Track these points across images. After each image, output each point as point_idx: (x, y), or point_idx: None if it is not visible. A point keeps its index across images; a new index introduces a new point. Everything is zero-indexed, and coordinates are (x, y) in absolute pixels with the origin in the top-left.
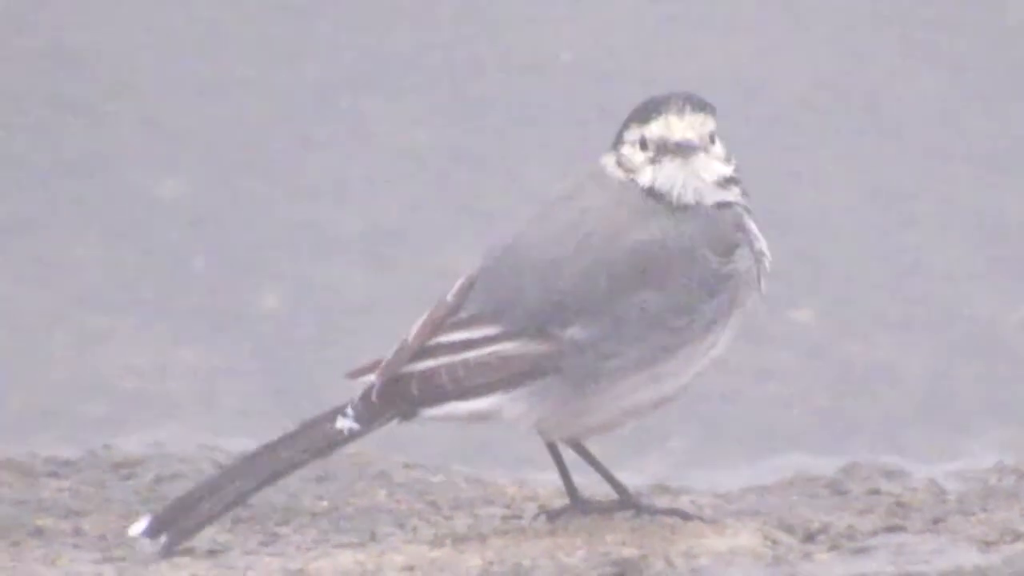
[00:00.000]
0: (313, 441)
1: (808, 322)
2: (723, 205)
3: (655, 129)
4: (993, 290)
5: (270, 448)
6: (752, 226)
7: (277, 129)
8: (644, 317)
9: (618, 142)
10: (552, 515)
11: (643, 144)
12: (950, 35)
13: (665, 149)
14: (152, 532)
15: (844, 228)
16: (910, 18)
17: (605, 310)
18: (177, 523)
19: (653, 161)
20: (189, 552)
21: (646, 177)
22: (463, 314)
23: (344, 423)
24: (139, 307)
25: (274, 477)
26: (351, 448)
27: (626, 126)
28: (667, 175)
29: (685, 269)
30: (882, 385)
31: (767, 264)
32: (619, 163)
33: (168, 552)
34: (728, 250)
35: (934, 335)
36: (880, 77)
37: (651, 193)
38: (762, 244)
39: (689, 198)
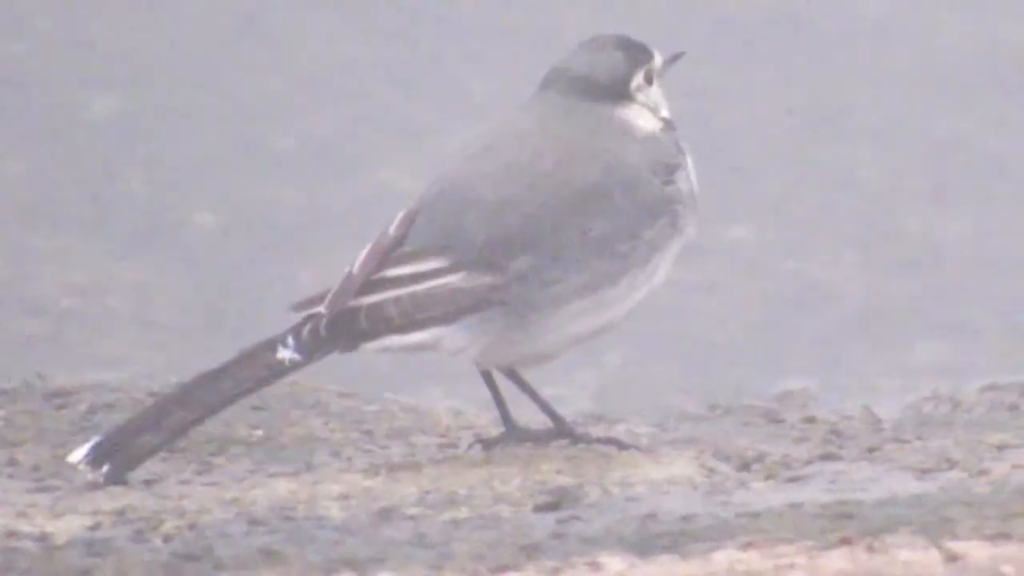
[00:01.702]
0: (254, 371)
1: (744, 239)
2: (666, 127)
3: (658, 60)
4: (929, 206)
5: (210, 378)
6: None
7: (210, 47)
8: (587, 243)
9: (626, 94)
10: (487, 444)
11: (651, 80)
12: None
13: (658, 73)
14: (93, 461)
15: (780, 145)
16: None
17: (550, 240)
18: (120, 453)
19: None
20: (123, 482)
21: (666, 110)
22: (408, 247)
23: (285, 353)
24: (74, 225)
25: (216, 407)
26: (291, 378)
27: (627, 77)
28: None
29: (629, 193)
30: (818, 303)
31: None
32: (648, 109)
33: (110, 481)
34: (670, 171)
35: (870, 252)
36: None
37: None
38: (692, 172)
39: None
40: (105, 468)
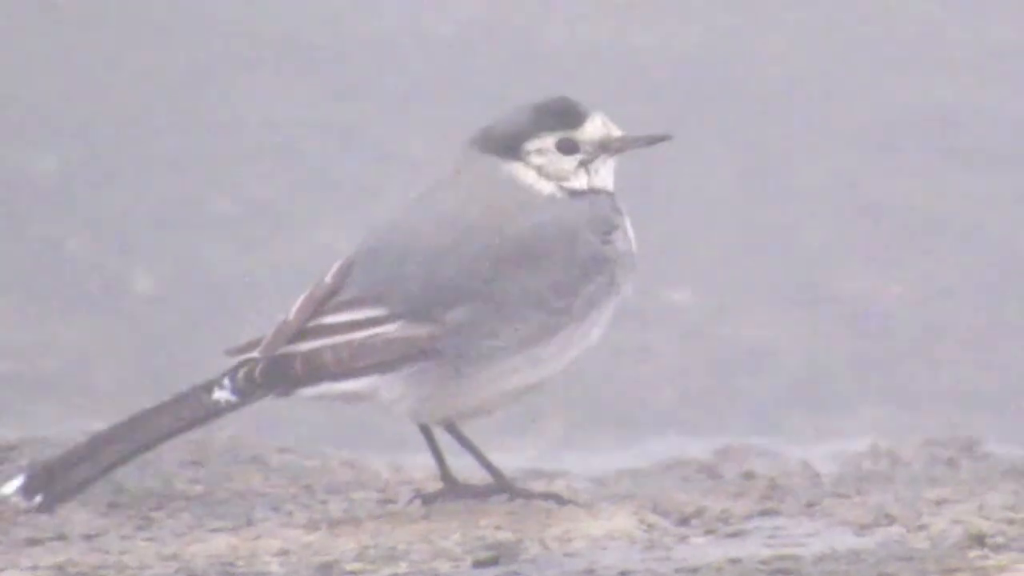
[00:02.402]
0: (190, 411)
1: (684, 302)
2: (602, 190)
3: (592, 131)
4: (867, 270)
5: (146, 415)
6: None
7: (151, 108)
8: (524, 298)
9: (517, 153)
10: (427, 499)
11: (570, 148)
12: (829, 13)
13: (608, 147)
14: (26, 492)
15: (719, 208)
16: None
17: (486, 293)
18: (53, 485)
19: (585, 163)
20: (63, 537)
21: (580, 181)
22: (344, 295)
23: (221, 395)
24: (13, 287)
25: (150, 444)
26: (227, 419)
27: (523, 137)
28: (606, 173)
29: (567, 250)
30: (757, 365)
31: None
32: (540, 173)
33: (42, 511)
34: (608, 231)
35: (809, 315)
36: (756, 54)
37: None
38: (631, 235)
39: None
40: (37, 498)
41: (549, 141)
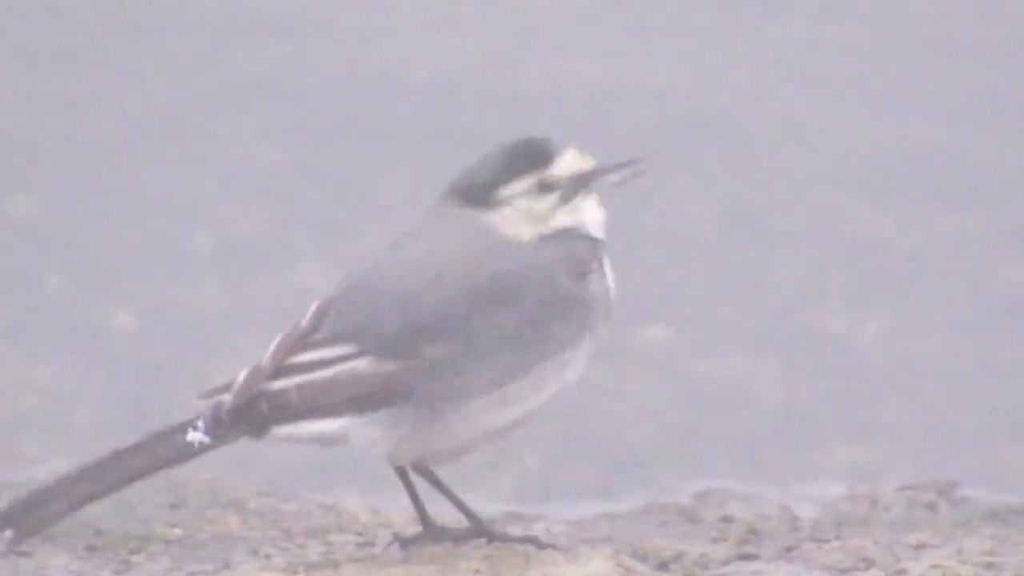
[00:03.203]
0: (164, 450)
1: (662, 340)
2: (575, 232)
3: (565, 166)
4: (845, 308)
5: (120, 455)
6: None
7: (129, 147)
8: (497, 336)
9: (492, 202)
10: (405, 543)
11: (545, 188)
12: (804, 53)
13: (582, 182)
14: None
15: (697, 246)
16: (763, 37)
17: (460, 331)
18: (23, 519)
19: (566, 200)
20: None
21: (560, 219)
22: (318, 336)
23: (195, 436)
24: None
25: (123, 482)
26: (201, 460)
27: (496, 185)
28: (589, 207)
29: (540, 292)
30: (735, 404)
31: (613, 297)
32: (518, 219)
33: (12, 547)
34: (582, 274)
35: (787, 353)
36: (733, 95)
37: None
38: (610, 277)
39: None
40: (8, 533)
41: (523, 184)
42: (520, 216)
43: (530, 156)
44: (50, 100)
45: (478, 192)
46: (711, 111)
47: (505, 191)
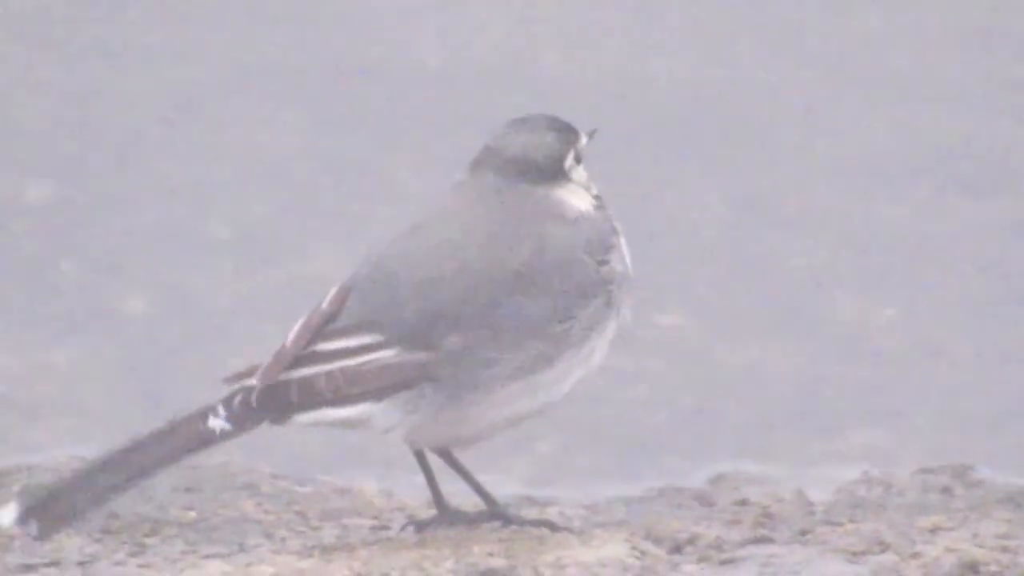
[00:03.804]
0: (185, 439)
1: (676, 326)
2: (599, 205)
3: (584, 140)
4: (859, 293)
5: (141, 444)
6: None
7: (143, 133)
8: (523, 324)
9: (565, 173)
10: (420, 525)
11: (579, 158)
12: (819, 39)
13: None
14: (22, 520)
15: (712, 232)
16: (777, 23)
17: (484, 319)
18: (47, 514)
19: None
20: (57, 563)
21: (593, 188)
22: (341, 322)
23: (216, 423)
24: (5, 311)
25: (146, 473)
26: (223, 448)
27: (564, 156)
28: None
29: (564, 274)
30: (750, 389)
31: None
32: (583, 190)
33: (38, 539)
34: (605, 251)
35: (801, 339)
36: (746, 82)
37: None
38: (625, 249)
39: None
40: (33, 527)
41: (572, 157)
42: (582, 188)
43: (568, 128)
44: (64, 87)
45: (544, 166)
46: (725, 97)
47: (567, 163)
